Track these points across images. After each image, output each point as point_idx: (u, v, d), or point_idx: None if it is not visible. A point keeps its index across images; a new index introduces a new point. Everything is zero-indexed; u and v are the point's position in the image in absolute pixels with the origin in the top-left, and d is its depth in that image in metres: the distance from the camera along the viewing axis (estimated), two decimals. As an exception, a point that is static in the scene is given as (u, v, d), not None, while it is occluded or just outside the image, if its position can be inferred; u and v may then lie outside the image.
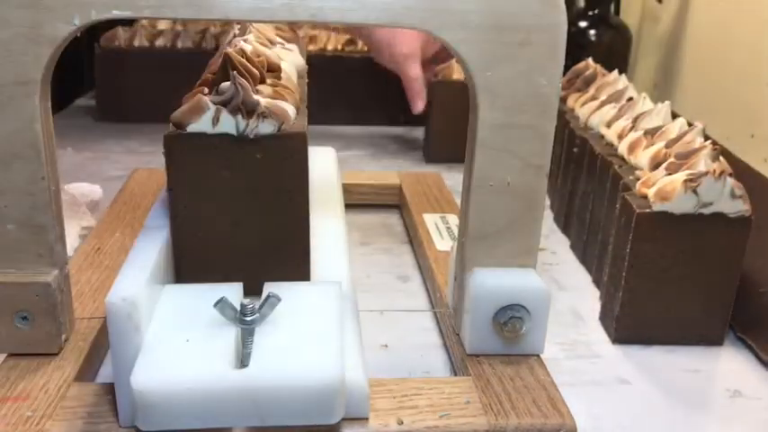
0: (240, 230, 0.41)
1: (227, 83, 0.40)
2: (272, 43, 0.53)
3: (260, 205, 0.41)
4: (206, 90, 0.41)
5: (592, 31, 0.89)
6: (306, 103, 0.45)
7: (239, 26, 0.56)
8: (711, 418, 0.43)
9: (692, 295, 0.48)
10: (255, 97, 0.40)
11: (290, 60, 0.52)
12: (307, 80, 0.54)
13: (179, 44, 0.94)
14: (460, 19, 0.38)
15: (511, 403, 0.39)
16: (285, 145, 0.40)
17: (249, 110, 0.39)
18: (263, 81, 0.43)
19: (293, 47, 0.56)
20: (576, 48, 0.85)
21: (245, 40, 0.47)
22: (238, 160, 0.40)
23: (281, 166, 0.40)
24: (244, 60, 0.42)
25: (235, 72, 0.40)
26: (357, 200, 0.69)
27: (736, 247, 0.47)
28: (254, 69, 0.42)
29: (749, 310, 0.49)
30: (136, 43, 0.93)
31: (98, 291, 0.48)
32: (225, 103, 0.39)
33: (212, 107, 0.39)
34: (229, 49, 0.42)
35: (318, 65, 0.81)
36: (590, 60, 0.75)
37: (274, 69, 0.45)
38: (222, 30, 0.97)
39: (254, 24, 0.53)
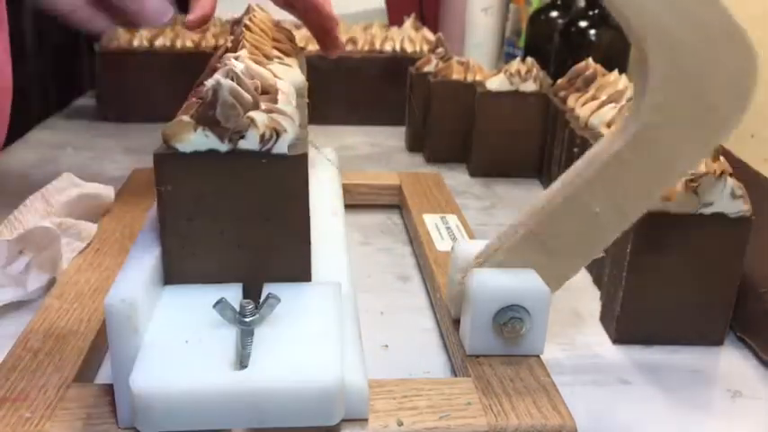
0: (240, 232, 0.41)
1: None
2: (269, 58, 0.49)
3: (259, 218, 0.39)
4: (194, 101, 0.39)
5: (592, 31, 0.89)
6: (306, 129, 0.41)
7: (232, 38, 0.52)
8: (711, 418, 0.43)
9: (692, 295, 0.48)
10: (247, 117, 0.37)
11: (289, 78, 0.47)
12: (307, 100, 0.50)
13: (179, 44, 0.94)
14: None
15: (511, 404, 0.39)
16: (285, 166, 0.38)
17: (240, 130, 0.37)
18: (256, 107, 0.38)
19: (292, 62, 0.52)
20: (576, 48, 0.85)
21: (236, 58, 0.43)
22: (236, 179, 0.38)
23: (281, 185, 0.38)
24: (235, 85, 0.37)
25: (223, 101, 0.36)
26: (357, 200, 0.69)
27: (736, 247, 0.47)
28: (246, 95, 0.38)
29: (749, 310, 0.49)
30: (136, 43, 0.93)
31: (98, 291, 0.48)
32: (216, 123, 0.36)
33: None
34: (218, 76, 0.37)
35: (319, 65, 0.81)
36: (590, 60, 0.75)
37: (270, 92, 0.41)
38: (222, 30, 0.97)
39: (247, 37, 0.49)
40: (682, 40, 0.37)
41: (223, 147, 0.37)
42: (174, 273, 0.39)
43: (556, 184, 0.42)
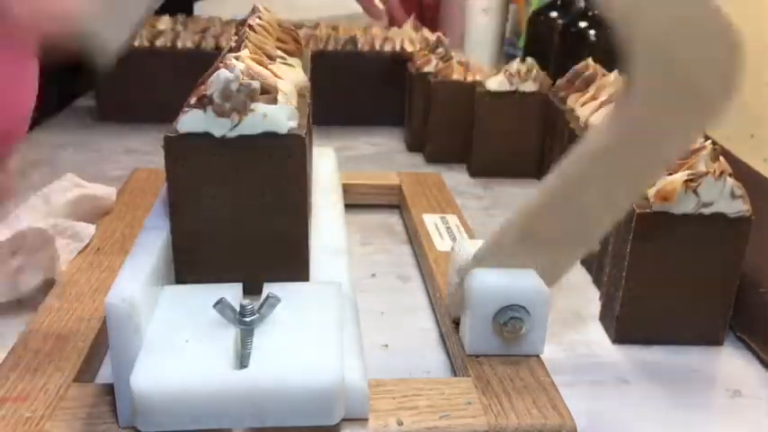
0: (240, 231, 0.41)
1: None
2: (271, 58, 0.49)
3: (259, 205, 0.41)
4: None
5: (591, 32, 0.89)
6: (305, 129, 0.43)
7: (235, 38, 0.53)
8: (711, 418, 0.43)
9: (692, 295, 0.48)
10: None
11: (290, 78, 0.48)
12: (309, 101, 0.50)
13: (179, 44, 0.94)
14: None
15: (511, 404, 0.39)
16: (284, 146, 0.40)
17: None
18: (255, 95, 0.40)
19: (295, 61, 0.52)
20: (576, 48, 0.85)
21: (237, 58, 0.44)
22: (237, 161, 0.40)
23: (279, 166, 0.40)
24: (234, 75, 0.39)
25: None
26: (357, 200, 0.69)
27: (736, 247, 0.47)
28: (245, 99, 0.40)
29: (749, 310, 0.49)
30: (136, 43, 0.93)
31: (98, 291, 0.48)
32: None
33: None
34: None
35: (318, 65, 0.81)
36: (590, 61, 0.75)
37: (270, 91, 0.42)
38: (222, 30, 0.97)
39: (249, 37, 0.49)
40: (668, 32, 0.37)
41: (222, 129, 0.39)
42: (182, 243, 0.41)
43: (547, 181, 0.42)
